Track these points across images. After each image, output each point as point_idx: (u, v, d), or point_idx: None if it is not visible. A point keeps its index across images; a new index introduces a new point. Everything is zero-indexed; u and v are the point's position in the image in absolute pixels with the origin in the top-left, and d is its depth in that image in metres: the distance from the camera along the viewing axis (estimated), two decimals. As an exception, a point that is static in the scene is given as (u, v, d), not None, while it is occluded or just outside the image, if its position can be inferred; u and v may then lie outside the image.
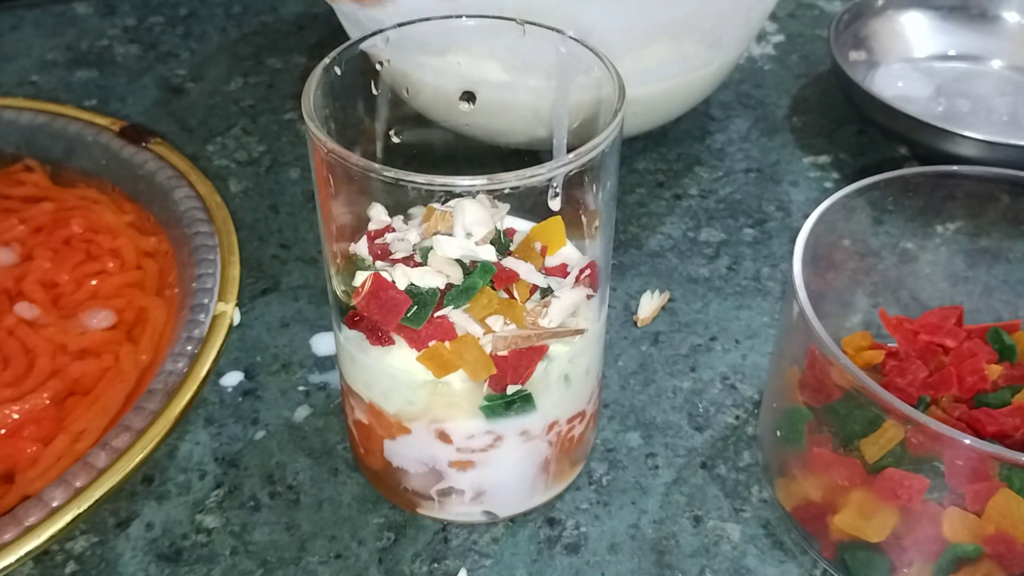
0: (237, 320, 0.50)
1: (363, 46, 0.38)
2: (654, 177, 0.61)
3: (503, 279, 0.36)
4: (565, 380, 0.38)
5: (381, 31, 0.38)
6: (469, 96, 0.44)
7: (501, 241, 0.37)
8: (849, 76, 0.62)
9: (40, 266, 0.52)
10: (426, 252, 0.36)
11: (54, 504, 0.40)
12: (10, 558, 0.38)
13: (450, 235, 0.36)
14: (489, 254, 0.36)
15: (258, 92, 0.68)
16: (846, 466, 0.37)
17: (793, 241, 0.40)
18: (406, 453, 0.39)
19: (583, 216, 0.38)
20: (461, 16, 0.39)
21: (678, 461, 0.44)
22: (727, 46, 0.58)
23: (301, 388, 0.48)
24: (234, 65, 0.71)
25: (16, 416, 0.44)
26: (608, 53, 0.37)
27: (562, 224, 0.38)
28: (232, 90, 0.68)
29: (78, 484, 0.40)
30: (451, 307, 0.35)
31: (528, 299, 0.36)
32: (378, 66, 0.39)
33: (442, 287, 0.35)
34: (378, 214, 0.38)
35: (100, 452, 0.41)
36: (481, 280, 0.35)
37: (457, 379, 0.36)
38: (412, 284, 0.35)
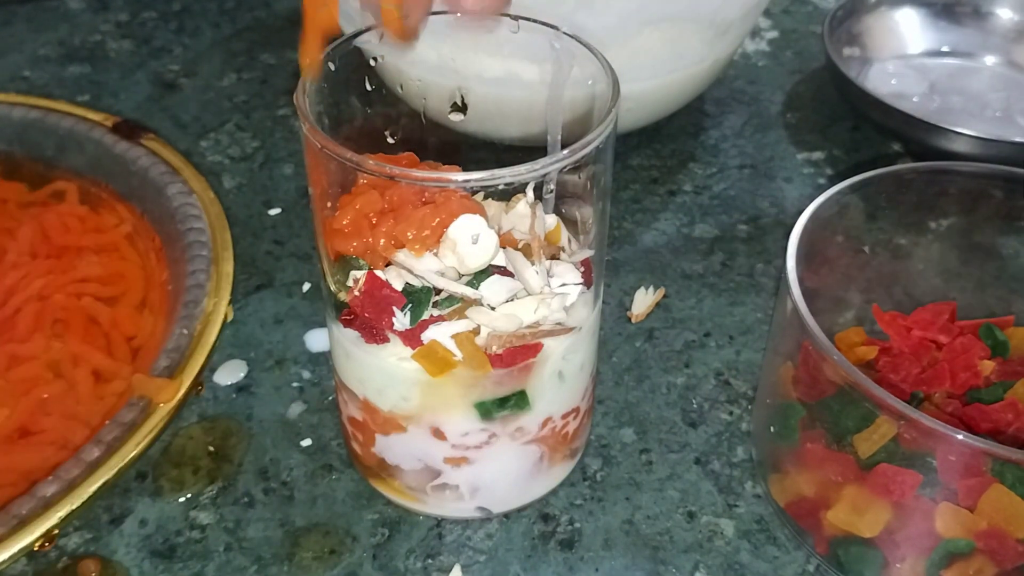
0: (231, 316, 0.50)
1: (357, 42, 0.38)
2: (648, 173, 0.61)
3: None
4: (559, 377, 0.38)
5: (375, 27, 0.38)
6: (461, 106, 0.44)
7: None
8: (843, 72, 0.62)
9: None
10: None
11: (48, 500, 0.40)
12: (4, 554, 0.38)
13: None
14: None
15: (252, 88, 0.68)
16: (839, 462, 0.37)
17: (787, 237, 0.40)
18: (400, 450, 0.39)
19: (577, 212, 0.38)
20: (455, 12, 0.39)
21: (672, 457, 0.45)
22: (722, 42, 0.58)
23: (295, 384, 0.47)
24: (227, 60, 0.71)
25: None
26: (602, 48, 0.37)
27: (560, 231, 0.38)
28: (225, 86, 0.68)
29: (72, 480, 0.40)
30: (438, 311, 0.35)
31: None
32: (372, 62, 0.39)
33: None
34: None
35: (94, 448, 0.41)
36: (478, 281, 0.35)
37: (452, 376, 0.36)
38: (407, 283, 0.35)
